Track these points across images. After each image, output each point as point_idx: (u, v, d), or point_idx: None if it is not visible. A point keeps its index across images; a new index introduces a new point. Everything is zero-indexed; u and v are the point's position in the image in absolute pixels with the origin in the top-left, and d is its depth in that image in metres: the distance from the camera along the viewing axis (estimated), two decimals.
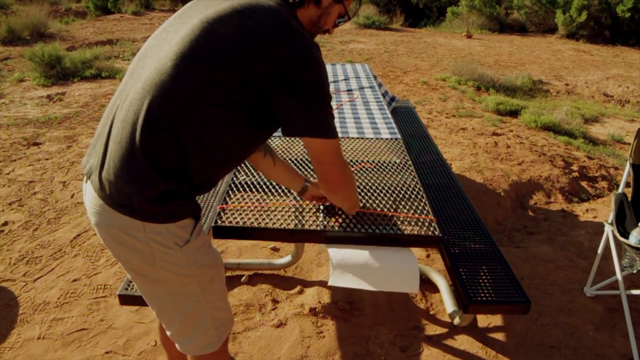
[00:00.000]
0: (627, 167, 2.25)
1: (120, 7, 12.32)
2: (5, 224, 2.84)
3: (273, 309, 2.16)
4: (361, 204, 1.60)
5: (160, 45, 1.09)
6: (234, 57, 1.00)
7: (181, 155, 1.03)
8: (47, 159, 3.71)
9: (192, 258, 1.12)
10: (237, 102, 1.03)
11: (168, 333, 1.23)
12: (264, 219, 1.52)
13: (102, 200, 1.05)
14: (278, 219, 1.52)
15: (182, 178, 1.05)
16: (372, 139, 2.20)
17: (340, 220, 1.51)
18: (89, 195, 1.09)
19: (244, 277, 2.35)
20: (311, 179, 1.58)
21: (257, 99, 1.04)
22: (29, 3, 11.48)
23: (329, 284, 1.43)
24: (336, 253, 1.44)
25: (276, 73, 1.01)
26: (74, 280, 2.36)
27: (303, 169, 1.89)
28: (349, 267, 1.43)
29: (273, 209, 1.58)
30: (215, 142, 1.07)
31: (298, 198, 1.62)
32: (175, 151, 1.02)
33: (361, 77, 3.14)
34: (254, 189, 1.70)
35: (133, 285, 1.56)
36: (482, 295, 1.49)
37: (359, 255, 1.42)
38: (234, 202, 1.61)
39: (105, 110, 1.15)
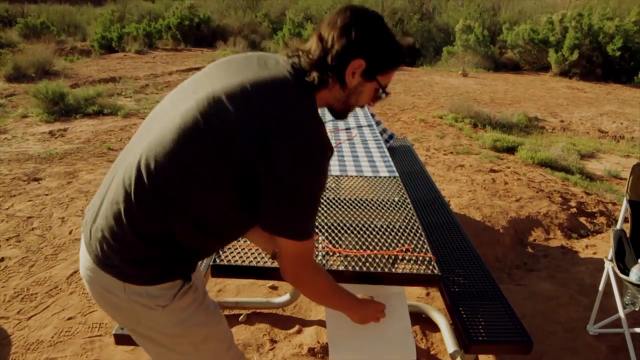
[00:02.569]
0: (624, 203, 2.27)
1: (124, 46, 12.63)
2: (2, 259, 2.82)
3: (271, 349, 2.12)
4: (360, 243, 1.60)
5: (168, 111, 1.06)
6: (229, 141, 0.95)
7: (167, 226, 1.01)
8: (46, 195, 3.72)
9: (178, 318, 1.07)
10: (228, 184, 0.98)
11: None
12: (262, 257, 1.51)
13: (89, 255, 1.05)
14: None
15: (167, 246, 1.03)
16: (370, 177, 2.22)
17: (340, 259, 1.51)
18: (82, 250, 1.10)
19: (242, 316, 2.32)
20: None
21: (248, 183, 0.98)
22: (35, 41, 11.78)
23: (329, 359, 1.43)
24: (332, 325, 1.43)
25: (267, 165, 0.95)
26: (69, 319, 2.32)
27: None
28: (346, 342, 1.42)
29: None
30: (206, 219, 1.03)
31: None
32: (161, 222, 1.00)
33: (359, 116, 3.20)
34: None
35: None
36: (484, 334, 1.47)
37: (355, 328, 1.38)
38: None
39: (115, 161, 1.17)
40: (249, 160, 0.95)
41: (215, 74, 1.07)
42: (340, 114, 1.15)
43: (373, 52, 1.04)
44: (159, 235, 1.02)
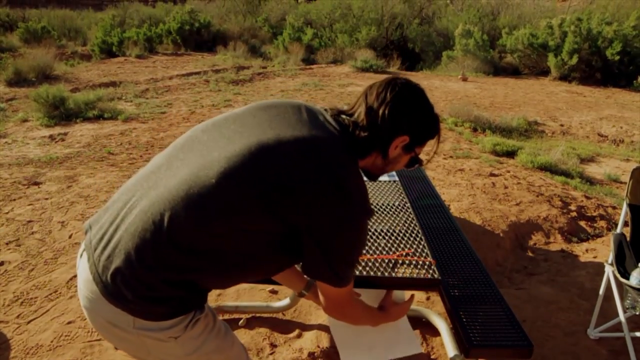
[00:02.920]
0: (624, 207, 2.27)
1: (125, 50, 12.67)
2: (2, 263, 2.82)
3: (271, 354, 2.11)
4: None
5: (210, 147, 1.03)
6: (276, 197, 0.96)
7: (196, 272, 0.99)
8: (46, 199, 3.72)
9: (191, 347, 1.05)
10: (271, 232, 0.99)
11: None
12: None
13: (96, 286, 0.99)
14: None
15: (190, 288, 1.00)
16: (369, 181, 2.22)
17: None
18: (84, 275, 1.02)
19: (241, 321, 2.32)
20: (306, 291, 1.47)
21: (289, 231, 1.00)
22: (36, 46, 11.82)
23: None
24: (337, 331, 1.45)
25: (313, 225, 0.98)
26: (69, 323, 2.32)
27: None
28: (354, 344, 1.44)
29: None
30: (237, 265, 1.03)
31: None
32: (191, 268, 0.98)
33: None
34: None
35: None
36: (484, 338, 1.46)
37: (358, 330, 1.41)
38: None
39: (127, 181, 1.09)
40: (297, 213, 0.97)
41: (266, 120, 1.06)
42: (373, 177, 1.20)
43: (417, 129, 1.12)
44: (186, 281, 0.99)
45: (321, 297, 1.14)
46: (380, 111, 1.07)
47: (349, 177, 1.01)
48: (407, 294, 1.50)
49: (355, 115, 1.10)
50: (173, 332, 1.01)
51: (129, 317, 0.98)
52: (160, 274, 0.97)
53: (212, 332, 1.09)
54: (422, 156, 1.24)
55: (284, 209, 0.97)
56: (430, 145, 1.23)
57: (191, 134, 1.10)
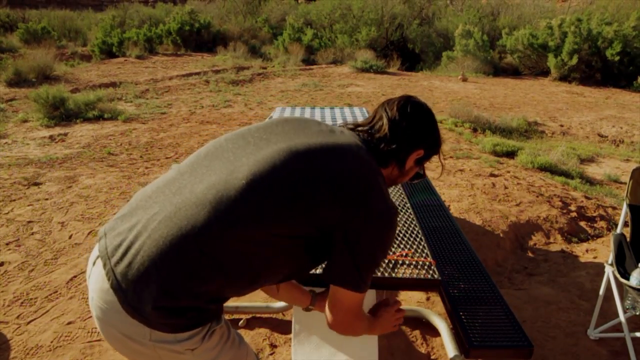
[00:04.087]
0: (624, 207, 2.27)
1: (125, 51, 12.68)
2: (2, 264, 2.82)
3: (271, 354, 2.11)
4: None
5: (237, 153, 1.04)
6: (311, 198, 0.98)
7: (221, 279, 0.97)
8: (46, 199, 3.72)
9: (207, 359, 1.04)
10: (299, 236, 1.01)
11: None
12: None
13: (112, 296, 0.95)
14: None
15: (209, 298, 0.99)
16: None
17: None
18: (98, 284, 0.99)
19: (241, 321, 2.32)
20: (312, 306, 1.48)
21: (319, 235, 1.01)
22: (36, 46, 11.82)
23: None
24: (300, 321, 1.48)
25: (346, 224, 1.00)
26: (69, 323, 2.31)
27: None
28: (311, 338, 1.48)
29: None
30: (261, 270, 1.02)
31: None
32: (216, 275, 0.96)
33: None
34: None
35: None
36: (484, 339, 1.46)
37: (321, 328, 1.42)
38: None
39: (144, 189, 1.08)
40: (328, 214, 0.99)
41: (290, 129, 1.12)
42: None
43: (431, 143, 1.21)
44: (208, 290, 0.97)
45: (329, 310, 1.11)
46: (404, 124, 1.15)
47: (377, 177, 1.06)
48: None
49: (376, 127, 1.17)
50: (190, 344, 0.99)
51: (145, 329, 0.95)
52: (184, 282, 0.94)
53: (227, 342, 1.09)
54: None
55: (315, 210, 0.98)
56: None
57: (214, 144, 1.12)
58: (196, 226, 0.94)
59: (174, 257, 0.93)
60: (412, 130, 1.15)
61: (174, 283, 0.94)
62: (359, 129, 1.18)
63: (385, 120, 1.16)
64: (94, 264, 1.02)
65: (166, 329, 0.96)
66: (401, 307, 1.38)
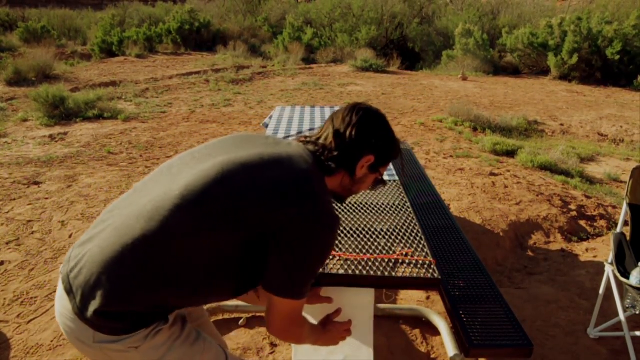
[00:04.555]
0: (624, 206, 2.27)
1: (125, 50, 12.67)
2: (2, 263, 2.82)
3: (271, 353, 2.11)
4: (359, 247, 1.60)
5: (181, 169, 1.08)
6: (243, 207, 1.00)
7: (159, 288, 1.00)
8: (46, 198, 3.72)
9: (153, 356, 1.06)
10: (234, 245, 1.02)
11: None
12: None
13: (68, 301, 1.01)
14: None
15: (152, 305, 1.02)
16: None
17: (340, 262, 1.51)
18: (59, 292, 1.06)
19: (242, 320, 2.32)
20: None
21: (255, 244, 1.02)
22: (36, 46, 11.82)
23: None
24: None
25: (279, 232, 1.00)
26: None
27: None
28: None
29: None
30: (200, 280, 1.04)
31: None
32: (153, 284, 1.00)
33: None
34: None
35: None
36: (484, 338, 1.46)
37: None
38: None
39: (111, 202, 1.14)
40: (259, 224, 1.00)
41: (233, 144, 1.14)
42: (341, 198, 1.27)
43: (381, 148, 1.20)
44: (148, 298, 1.00)
45: (267, 316, 1.13)
46: (348, 132, 1.16)
47: (314, 184, 1.07)
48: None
49: (322, 138, 1.18)
50: (132, 342, 1.02)
51: (90, 331, 1.00)
52: (124, 289, 0.99)
53: (177, 340, 1.10)
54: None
55: (248, 219, 1.00)
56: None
57: (168, 162, 1.17)
58: (134, 237, 0.99)
59: (114, 265, 0.98)
60: (357, 136, 1.15)
61: (114, 290, 0.98)
62: (308, 140, 1.20)
63: (330, 130, 1.18)
64: (60, 272, 1.10)
65: (107, 332, 1.00)
66: (350, 328, 1.42)
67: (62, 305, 1.04)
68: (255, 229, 1.01)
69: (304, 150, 1.15)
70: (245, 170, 1.04)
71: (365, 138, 1.17)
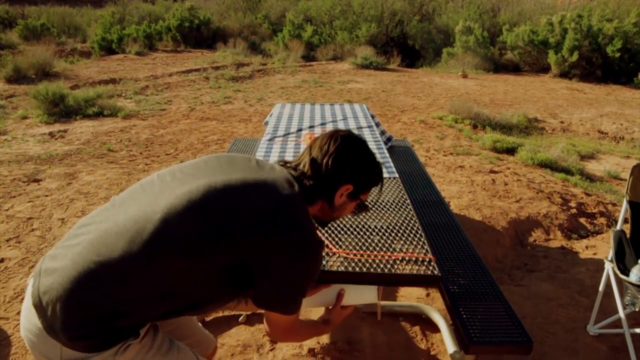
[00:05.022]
0: (624, 204, 2.27)
1: (124, 47, 12.65)
2: (2, 260, 2.82)
3: (271, 350, 2.12)
4: (360, 243, 1.60)
5: (162, 188, 1.07)
6: (224, 232, 1.00)
7: (133, 307, 0.99)
8: (46, 196, 3.72)
9: None
10: (214, 269, 1.02)
11: None
12: None
13: (35, 315, 0.98)
14: None
15: (124, 322, 1.00)
16: None
17: (340, 259, 1.51)
18: (26, 303, 1.03)
19: (241, 317, 2.32)
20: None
21: (236, 267, 1.02)
22: (36, 43, 11.80)
23: None
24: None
25: (264, 257, 1.01)
26: None
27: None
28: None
29: None
30: (180, 301, 1.04)
31: None
32: (128, 303, 0.98)
33: (359, 117, 3.20)
34: None
35: None
36: (484, 335, 1.47)
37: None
38: None
39: (88, 215, 1.12)
40: (245, 250, 1.00)
41: (216, 166, 1.13)
42: (323, 223, 1.27)
43: (359, 178, 1.18)
44: (123, 316, 0.99)
45: (267, 324, 1.17)
46: (324, 162, 1.14)
47: (296, 211, 1.07)
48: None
49: (301, 165, 1.17)
50: (100, 358, 1.00)
51: (58, 347, 0.98)
52: (96, 306, 0.97)
53: (149, 352, 1.09)
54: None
55: (232, 246, 1.00)
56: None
57: (147, 179, 1.15)
58: (112, 255, 0.97)
59: (89, 282, 0.96)
60: (333, 167, 1.14)
61: (86, 307, 0.97)
62: (288, 165, 1.19)
63: (307, 158, 1.17)
64: (28, 283, 1.07)
65: (76, 348, 0.98)
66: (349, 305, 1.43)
67: (27, 319, 1.01)
68: (239, 257, 1.01)
69: (288, 174, 1.14)
70: (228, 196, 1.03)
71: (342, 168, 1.15)
